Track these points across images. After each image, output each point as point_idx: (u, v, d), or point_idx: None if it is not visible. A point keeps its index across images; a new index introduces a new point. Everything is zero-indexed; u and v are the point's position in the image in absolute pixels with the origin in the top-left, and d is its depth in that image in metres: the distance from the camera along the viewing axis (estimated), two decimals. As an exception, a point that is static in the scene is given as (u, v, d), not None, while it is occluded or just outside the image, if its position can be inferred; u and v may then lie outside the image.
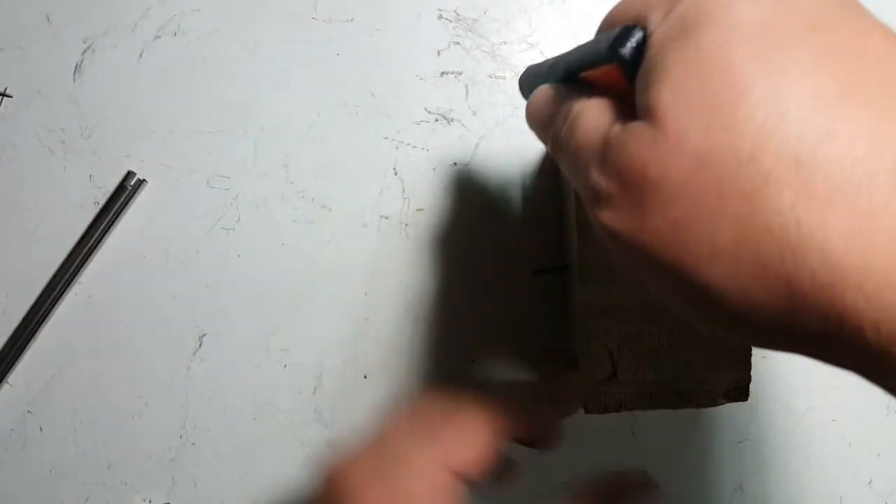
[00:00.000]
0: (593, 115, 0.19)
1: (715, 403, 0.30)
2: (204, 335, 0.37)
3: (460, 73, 0.38)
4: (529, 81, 0.26)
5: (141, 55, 0.38)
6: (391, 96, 0.37)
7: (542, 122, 0.23)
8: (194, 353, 0.37)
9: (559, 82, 0.23)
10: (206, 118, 0.37)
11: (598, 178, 0.18)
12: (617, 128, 0.18)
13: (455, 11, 0.38)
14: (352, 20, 0.38)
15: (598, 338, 0.30)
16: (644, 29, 0.18)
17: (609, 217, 0.18)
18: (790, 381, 0.37)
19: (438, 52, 0.37)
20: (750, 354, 0.30)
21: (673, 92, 0.16)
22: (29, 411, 0.37)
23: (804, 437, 0.38)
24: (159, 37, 0.38)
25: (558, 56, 0.23)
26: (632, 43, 0.18)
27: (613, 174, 0.17)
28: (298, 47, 0.38)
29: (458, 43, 0.38)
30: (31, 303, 0.36)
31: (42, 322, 0.36)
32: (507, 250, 0.37)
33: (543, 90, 0.23)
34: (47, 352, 0.37)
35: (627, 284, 0.30)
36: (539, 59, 0.38)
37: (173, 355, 0.37)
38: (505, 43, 0.38)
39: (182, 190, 0.37)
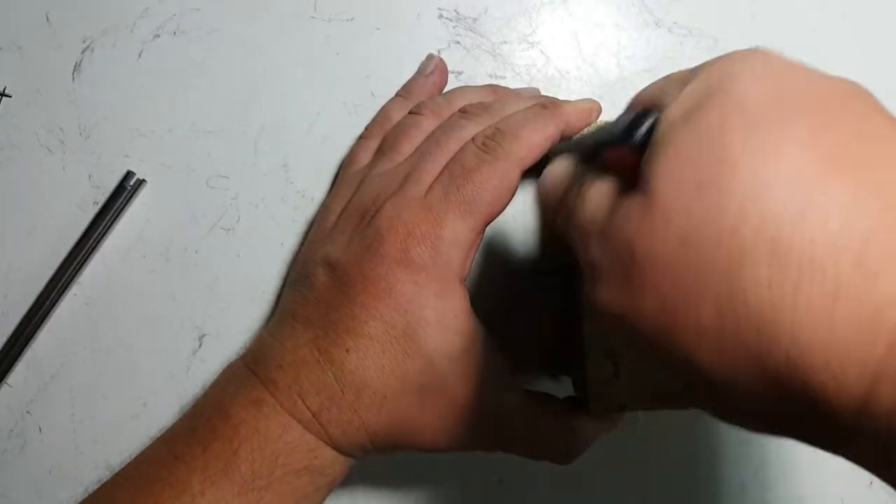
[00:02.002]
0: (601, 191, 0.20)
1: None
2: (204, 336, 0.37)
3: (461, 73, 0.37)
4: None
5: (140, 55, 0.38)
6: (391, 96, 0.37)
7: (555, 196, 0.23)
8: (194, 354, 0.37)
9: (577, 160, 0.23)
10: (206, 118, 0.37)
11: (594, 252, 0.18)
12: (615, 205, 0.18)
13: (455, 11, 0.38)
14: (351, 19, 0.38)
15: (599, 338, 0.30)
16: (657, 113, 0.19)
17: (602, 293, 0.18)
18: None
19: (439, 51, 0.37)
20: None
21: (666, 168, 0.17)
22: (28, 412, 0.36)
23: (805, 437, 0.38)
24: (158, 36, 0.38)
25: (580, 135, 0.24)
26: (644, 127, 0.18)
27: (607, 249, 0.18)
28: (298, 47, 0.38)
29: (458, 42, 0.38)
30: (29, 303, 0.36)
31: (41, 323, 0.36)
32: (508, 250, 0.37)
33: (559, 164, 0.24)
34: (46, 352, 0.37)
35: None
36: (539, 59, 0.38)
37: (173, 356, 0.37)
38: (505, 42, 0.38)
39: (181, 190, 0.37)
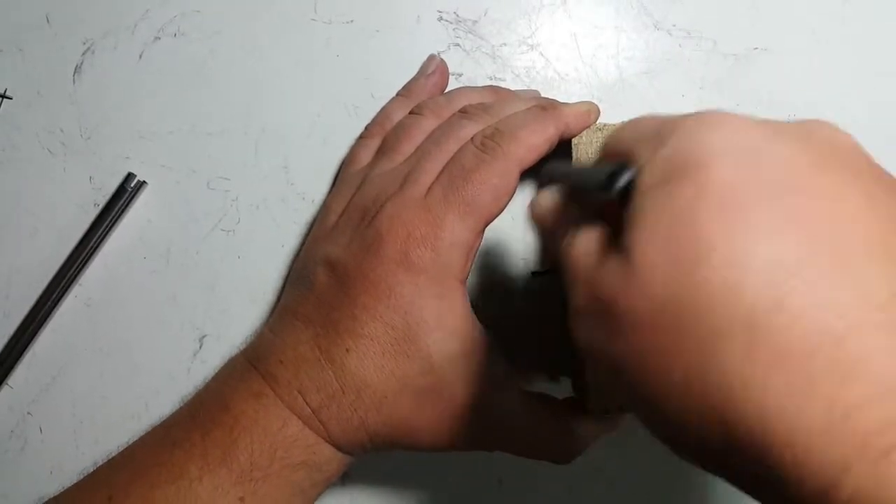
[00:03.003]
0: (588, 240, 0.21)
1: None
2: (204, 337, 0.37)
3: (460, 75, 0.38)
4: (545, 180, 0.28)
5: (141, 56, 0.38)
6: (391, 98, 0.37)
7: (545, 228, 0.25)
8: (195, 355, 0.37)
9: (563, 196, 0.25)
10: (207, 120, 0.37)
11: (580, 295, 0.20)
12: (601, 256, 0.20)
13: (455, 13, 0.38)
14: (351, 22, 0.38)
15: None
16: (634, 167, 0.20)
17: (583, 331, 0.20)
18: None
19: (438, 53, 0.37)
20: None
21: (646, 239, 0.18)
22: (29, 413, 0.37)
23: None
24: (159, 38, 0.38)
25: (565, 169, 0.26)
26: (622, 182, 0.20)
27: (592, 297, 0.19)
28: (298, 49, 0.38)
29: (458, 45, 0.38)
30: (31, 304, 0.36)
31: (42, 324, 0.36)
32: (508, 251, 0.37)
33: (546, 196, 0.25)
34: (47, 353, 0.37)
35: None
36: (539, 61, 0.38)
37: (173, 357, 0.37)
38: (505, 44, 0.38)
39: (182, 192, 0.37)
